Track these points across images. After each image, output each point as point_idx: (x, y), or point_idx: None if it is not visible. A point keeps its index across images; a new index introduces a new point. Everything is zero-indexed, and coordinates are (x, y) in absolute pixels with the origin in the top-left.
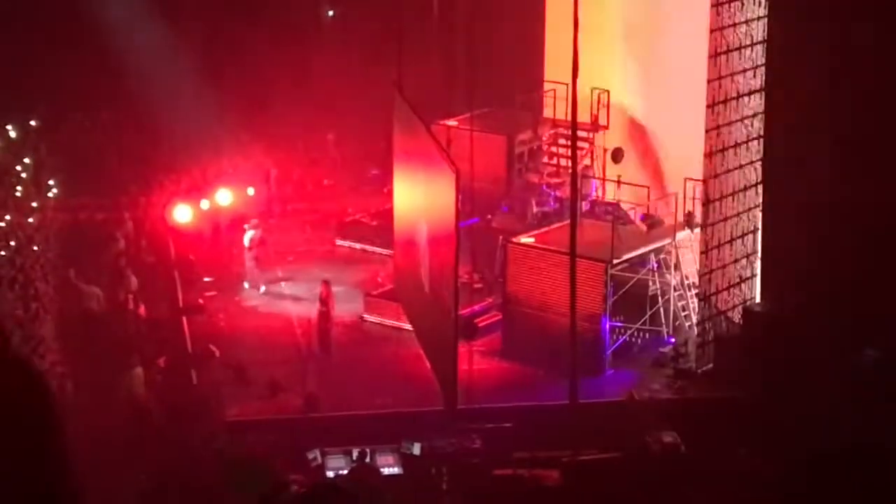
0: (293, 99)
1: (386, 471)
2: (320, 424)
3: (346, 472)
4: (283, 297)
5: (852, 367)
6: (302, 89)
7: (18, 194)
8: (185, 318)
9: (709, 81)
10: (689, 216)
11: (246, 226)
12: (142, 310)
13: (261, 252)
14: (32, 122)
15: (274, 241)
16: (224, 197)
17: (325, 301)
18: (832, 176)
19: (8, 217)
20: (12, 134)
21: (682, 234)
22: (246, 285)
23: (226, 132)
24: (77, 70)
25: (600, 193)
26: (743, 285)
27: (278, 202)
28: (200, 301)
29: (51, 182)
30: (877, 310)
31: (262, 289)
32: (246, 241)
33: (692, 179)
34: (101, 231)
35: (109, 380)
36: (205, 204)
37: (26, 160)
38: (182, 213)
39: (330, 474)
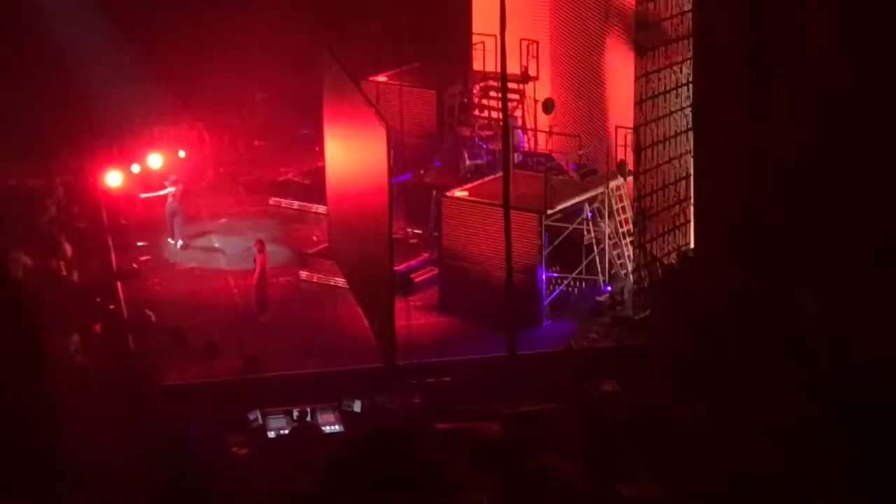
0: (222, 60)
1: (327, 429)
2: (260, 385)
3: (286, 431)
4: (217, 257)
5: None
6: (231, 50)
7: None
8: (119, 284)
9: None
10: (620, 164)
11: (165, 182)
12: (75, 276)
13: (182, 206)
14: None
15: (207, 203)
16: (155, 160)
17: (259, 260)
18: (756, 119)
19: None
20: None
21: (616, 182)
22: (170, 241)
23: (156, 95)
24: (7, 35)
25: (532, 145)
26: (677, 231)
27: (210, 164)
28: (135, 266)
29: None
30: (808, 250)
31: (179, 243)
32: (167, 197)
33: (623, 127)
34: (32, 196)
35: (39, 346)
36: (136, 168)
37: None
38: (113, 178)
39: (271, 434)
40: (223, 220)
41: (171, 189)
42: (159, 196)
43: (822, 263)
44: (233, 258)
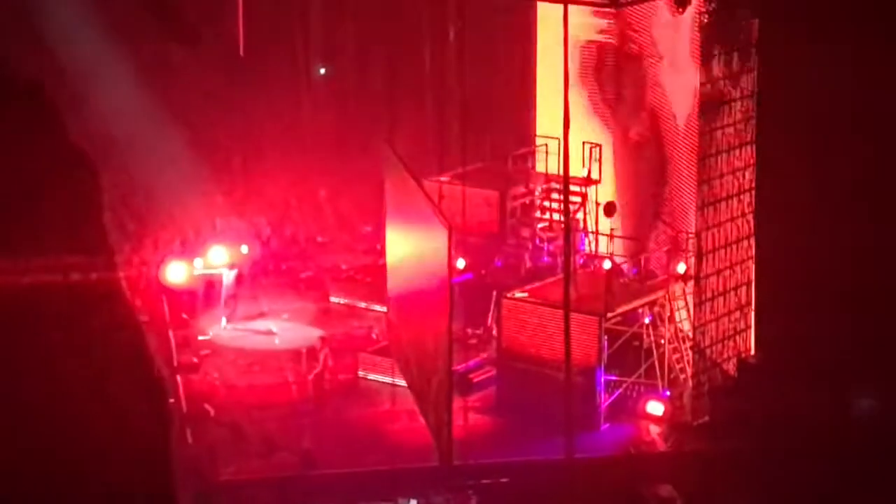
0: (285, 156)
1: None
2: (316, 482)
3: None
4: (272, 340)
5: (851, 416)
6: (294, 147)
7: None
8: (179, 377)
9: (700, 134)
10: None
11: (224, 269)
12: None
13: (238, 290)
14: None
15: (268, 298)
16: (217, 255)
17: (320, 357)
18: (821, 226)
19: None
20: None
21: (677, 287)
22: (223, 322)
23: (219, 190)
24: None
25: (593, 248)
26: (737, 337)
27: (272, 260)
28: (195, 359)
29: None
30: (869, 361)
31: (229, 326)
32: (225, 281)
33: (685, 232)
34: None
35: None
36: (198, 263)
37: None
38: (175, 272)
39: None
40: (284, 316)
41: (230, 273)
42: (215, 275)
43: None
44: (286, 341)
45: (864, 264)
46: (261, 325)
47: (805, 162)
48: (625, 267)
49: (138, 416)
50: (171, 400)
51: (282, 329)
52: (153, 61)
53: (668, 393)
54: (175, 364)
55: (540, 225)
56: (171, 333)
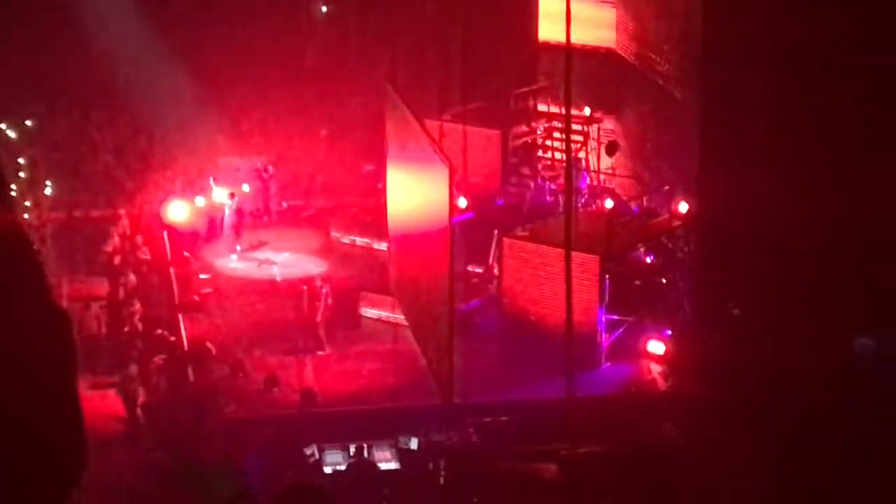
0: (287, 95)
1: (383, 465)
2: (317, 420)
3: (343, 467)
4: (272, 270)
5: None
6: (295, 86)
7: (14, 193)
8: (181, 315)
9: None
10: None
11: (225, 199)
12: (138, 307)
13: (240, 220)
14: (28, 122)
15: (270, 237)
16: (219, 194)
17: (321, 295)
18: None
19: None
20: (10, 133)
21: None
22: (235, 252)
23: (220, 129)
24: (71, 69)
25: (595, 185)
26: (740, 277)
27: (273, 198)
28: (196, 298)
29: (46, 181)
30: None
31: (235, 254)
32: (227, 210)
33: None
34: (97, 228)
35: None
36: (200, 201)
37: (21, 160)
38: (177, 211)
39: (328, 470)
40: (285, 255)
41: (229, 201)
42: (216, 214)
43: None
44: (287, 274)
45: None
46: (262, 255)
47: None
48: (627, 206)
49: (34, 355)
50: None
51: (283, 262)
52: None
53: (669, 332)
54: (176, 302)
55: (542, 164)
56: (172, 271)
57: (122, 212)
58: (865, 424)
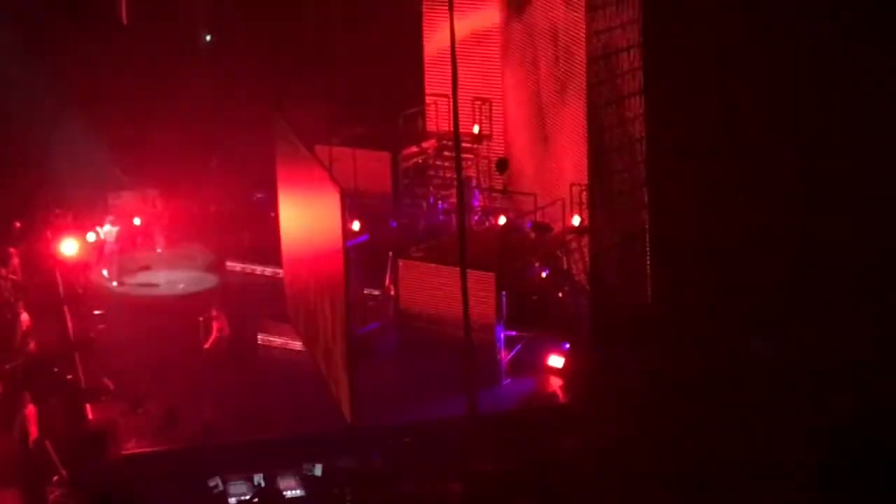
0: (174, 126)
1: (289, 494)
2: (220, 452)
3: (248, 497)
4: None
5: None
6: (182, 116)
7: None
8: (77, 353)
9: (589, 86)
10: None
11: (106, 225)
12: (32, 346)
13: (119, 246)
14: None
15: (162, 269)
16: (109, 229)
17: (217, 325)
18: (716, 173)
19: None
20: None
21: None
22: (105, 273)
23: (110, 163)
24: None
25: (486, 204)
26: (633, 288)
27: (165, 230)
28: (92, 335)
29: None
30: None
31: (115, 283)
32: (104, 236)
33: (577, 185)
34: None
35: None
36: (91, 236)
37: None
38: (69, 247)
39: (233, 501)
40: (181, 286)
41: (109, 228)
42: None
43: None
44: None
45: (758, 211)
46: (145, 277)
47: (695, 110)
48: (519, 222)
49: None
50: None
51: (166, 282)
52: (37, 36)
53: (567, 346)
54: (71, 339)
55: (433, 184)
56: (66, 309)
57: (12, 250)
58: (761, 425)
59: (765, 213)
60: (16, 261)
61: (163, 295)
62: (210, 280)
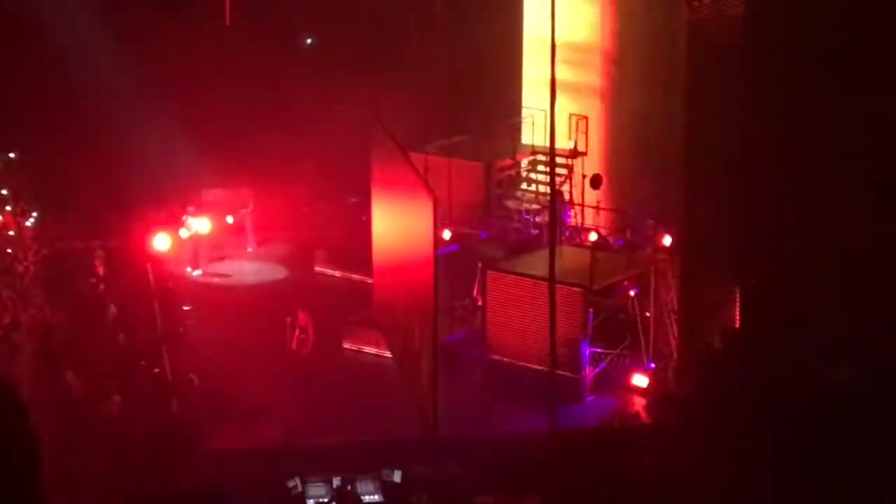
0: (271, 127)
1: (367, 499)
2: (301, 453)
3: (326, 500)
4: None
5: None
6: (280, 117)
7: None
8: (164, 347)
9: (688, 106)
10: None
11: (198, 220)
12: (121, 338)
13: (213, 242)
14: (11, 155)
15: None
16: (203, 225)
17: (304, 328)
18: (803, 196)
19: None
20: None
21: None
22: (189, 269)
23: (204, 160)
24: (55, 101)
25: (578, 220)
26: (723, 310)
27: (256, 230)
28: (180, 329)
29: (34, 214)
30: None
31: (198, 272)
32: (195, 232)
33: (670, 204)
34: (80, 259)
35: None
36: (184, 232)
37: (3, 191)
38: (161, 242)
39: (310, 503)
40: (251, 277)
41: (200, 224)
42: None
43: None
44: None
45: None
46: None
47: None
48: (610, 239)
49: None
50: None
51: (242, 271)
52: (138, 32)
53: (652, 365)
54: (159, 333)
55: (526, 197)
56: (155, 303)
57: (105, 243)
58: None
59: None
60: (102, 253)
61: (233, 284)
62: (280, 272)
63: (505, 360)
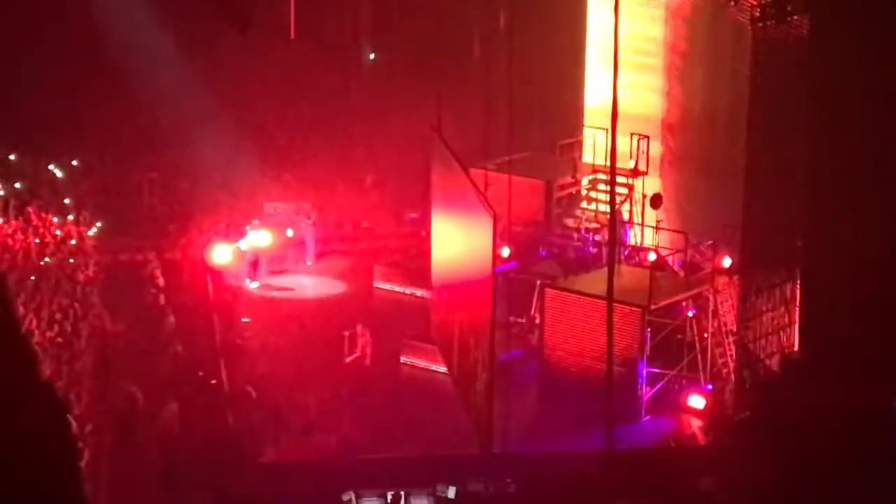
0: (333, 141)
1: None
2: (355, 466)
3: None
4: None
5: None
6: (342, 132)
7: (59, 233)
8: (222, 359)
9: (749, 126)
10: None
11: (259, 234)
12: (179, 349)
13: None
14: (74, 163)
15: (311, 283)
16: (263, 238)
17: (361, 342)
18: (865, 218)
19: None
20: (57, 173)
21: (722, 280)
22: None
23: (265, 173)
24: (120, 111)
25: (638, 240)
26: (781, 333)
27: (316, 244)
28: (238, 342)
29: (97, 224)
30: None
31: (256, 284)
32: (255, 245)
33: (731, 226)
34: (141, 270)
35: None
36: (244, 245)
37: (66, 200)
38: (221, 254)
39: None
40: (309, 290)
41: (261, 237)
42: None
43: None
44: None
45: None
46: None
47: (859, 154)
48: (670, 259)
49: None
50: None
51: (301, 285)
52: (203, 44)
53: (710, 387)
54: (218, 345)
55: (585, 216)
56: (214, 315)
57: (165, 254)
58: None
59: None
60: (157, 263)
61: (292, 298)
62: (339, 286)
63: (561, 378)
